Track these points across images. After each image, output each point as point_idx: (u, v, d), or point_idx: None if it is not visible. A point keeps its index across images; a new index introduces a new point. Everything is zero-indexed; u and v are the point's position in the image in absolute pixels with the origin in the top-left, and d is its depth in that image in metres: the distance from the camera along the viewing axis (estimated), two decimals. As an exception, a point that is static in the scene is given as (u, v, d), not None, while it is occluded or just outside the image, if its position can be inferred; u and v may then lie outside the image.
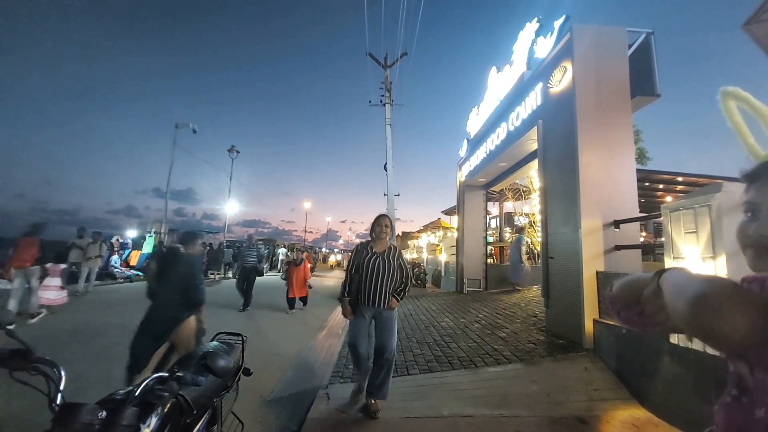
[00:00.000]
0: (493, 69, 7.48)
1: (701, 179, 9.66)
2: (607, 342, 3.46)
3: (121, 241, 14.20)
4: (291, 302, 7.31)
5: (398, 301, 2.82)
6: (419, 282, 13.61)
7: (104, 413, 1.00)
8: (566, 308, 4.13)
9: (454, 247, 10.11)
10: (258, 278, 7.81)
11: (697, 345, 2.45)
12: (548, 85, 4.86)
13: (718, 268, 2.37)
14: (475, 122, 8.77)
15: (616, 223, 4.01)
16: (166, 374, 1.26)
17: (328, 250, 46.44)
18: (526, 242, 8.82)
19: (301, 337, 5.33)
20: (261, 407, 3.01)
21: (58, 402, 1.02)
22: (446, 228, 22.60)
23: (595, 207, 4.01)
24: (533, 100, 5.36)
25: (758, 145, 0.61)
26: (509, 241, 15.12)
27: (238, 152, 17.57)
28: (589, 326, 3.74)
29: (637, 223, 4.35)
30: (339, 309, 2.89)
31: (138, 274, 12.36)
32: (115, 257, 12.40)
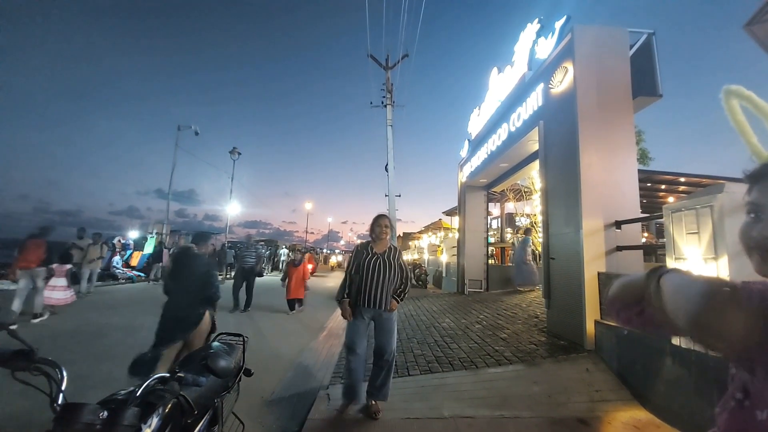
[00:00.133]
0: (494, 70, 7.48)
1: (703, 180, 9.63)
2: (609, 343, 3.45)
3: (123, 241, 14.25)
4: (291, 303, 7.29)
5: (398, 302, 2.80)
6: (420, 283, 13.60)
7: (105, 413, 1.00)
8: (567, 309, 4.12)
9: (455, 248, 10.10)
10: (258, 279, 7.79)
11: (698, 346, 2.44)
12: (549, 85, 4.85)
13: (720, 269, 2.36)
14: (476, 123, 8.77)
15: (618, 224, 4.00)
16: (168, 374, 1.27)
17: (329, 251, 46.47)
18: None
19: (302, 338, 5.34)
20: (262, 408, 3.01)
21: (59, 402, 1.03)
22: (447, 229, 22.59)
23: (596, 208, 4.00)
24: (534, 100, 5.36)
25: (761, 145, 0.60)
26: (510, 241, 15.11)
27: (239, 154, 17.62)
28: (590, 327, 3.73)
29: (639, 224, 4.34)
30: (339, 310, 2.84)
31: (140, 275, 12.39)
32: (116, 258, 12.44)
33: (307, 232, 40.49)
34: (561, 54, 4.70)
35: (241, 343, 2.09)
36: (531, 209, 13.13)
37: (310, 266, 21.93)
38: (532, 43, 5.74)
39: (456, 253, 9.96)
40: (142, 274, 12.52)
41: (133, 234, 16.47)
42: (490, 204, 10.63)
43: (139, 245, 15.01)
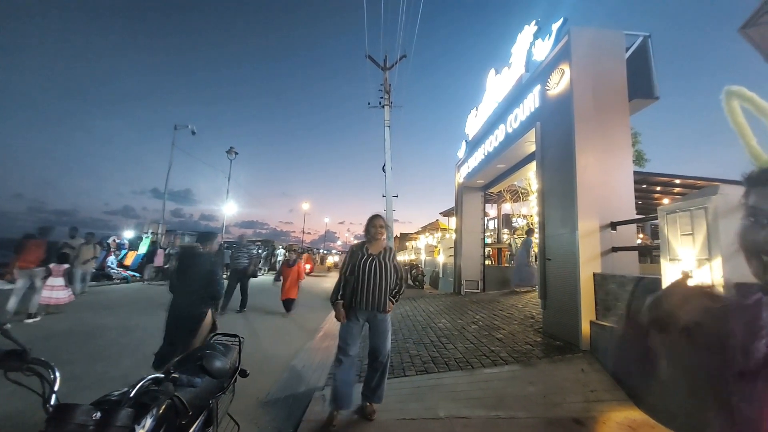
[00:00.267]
0: (492, 71, 7.50)
1: (698, 181, 9.72)
2: (604, 343, 3.47)
3: (117, 241, 14.15)
4: (287, 304, 7.21)
5: (393, 303, 2.78)
6: (417, 283, 13.61)
7: (98, 414, 1.00)
8: (563, 310, 4.14)
9: (452, 249, 10.12)
10: (252, 280, 7.69)
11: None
12: (546, 87, 4.88)
13: (714, 270, 2.38)
14: (473, 124, 8.80)
15: (613, 225, 4.02)
16: (162, 375, 1.26)
17: (325, 252, 46.40)
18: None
19: (298, 339, 5.32)
20: (257, 409, 3.00)
21: (52, 403, 1.02)
22: (444, 229, 22.63)
23: (592, 209, 4.02)
24: (531, 102, 5.38)
25: (760, 148, 0.59)
26: (507, 242, 15.16)
27: (236, 153, 17.57)
28: (585, 328, 3.75)
29: (634, 225, 4.37)
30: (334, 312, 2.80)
31: (135, 275, 12.31)
32: (111, 258, 12.35)
33: (303, 232, 40.45)
34: (558, 56, 4.73)
35: (237, 343, 2.08)
36: (528, 210, 13.18)
37: (308, 266, 21.88)
38: (529, 44, 5.77)
39: (453, 253, 9.98)
40: (137, 274, 12.44)
41: (129, 234, 16.36)
42: (487, 205, 10.67)
43: (134, 245, 14.91)
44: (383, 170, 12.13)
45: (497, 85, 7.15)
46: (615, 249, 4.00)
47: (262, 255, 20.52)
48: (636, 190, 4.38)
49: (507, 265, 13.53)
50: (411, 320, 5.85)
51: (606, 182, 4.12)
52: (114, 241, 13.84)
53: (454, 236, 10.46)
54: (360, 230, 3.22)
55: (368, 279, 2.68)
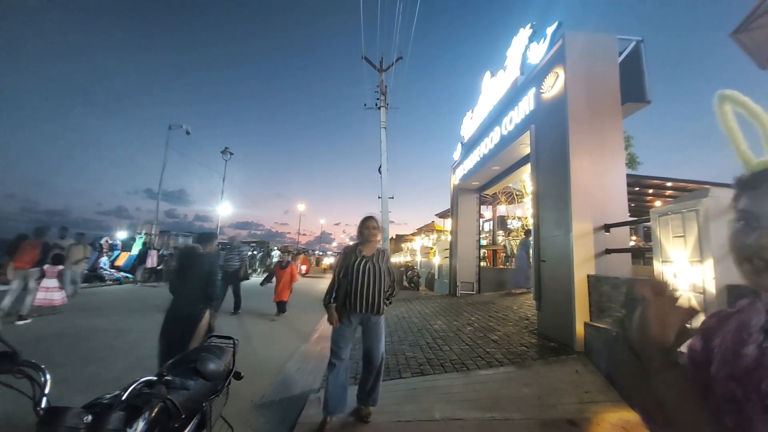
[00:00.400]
0: (487, 74, 7.55)
1: (689, 184, 9.85)
2: (598, 345, 3.49)
3: (110, 242, 14.00)
4: (281, 306, 7.13)
5: (386, 306, 2.75)
6: (412, 285, 13.62)
7: (90, 417, 0.98)
8: (558, 311, 4.17)
9: (448, 250, 10.15)
10: (245, 282, 7.57)
11: (685, 348, 2.48)
12: (541, 90, 4.92)
13: (706, 271, 2.42)
14: (469, 126, 8.84)
15: (607, 227, 4.06)
16: (155, 378, 1.25)
17: (321, 253, 46.27)
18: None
19: (292, 342, 5.30)
20: (251, 411, 2.98)
21: (42, 406, 1.00)
22: (440, 231, 22.69)
23: (586, 211, 4.06)
24: (526, 104, 5.42)
25: (751, 152, 0.59)
26: (502, 244, 15.23)
27: (231, 154, 17.47)
28: (580, 329, 3.77)
29: (627, 227, 4.41)
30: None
31: (127, 276, 12.18)
32: (104, 259, 12.21)
33: (299, 233, 40.33)
34: (552, 59, 4.77)
35: (231, 346, 2.07)
36: (522, 212, 13.25)
37: (303, 267, 21.76)
38: (524, 48, 5.81)
39: (448, 255, 10.01)
40: (130, 276, 12.32)
41: (122, 234, 16.19)
42: (482, 207, 10.71)
43: (127, 246, 14.76)
44: (379, 172, 12.14)
45: (493, 87, 7.20)
46: (608, 251, 4.03)
47: (258, 256, 20.40)
48: (629, 193, 4.43)
49: (502, 266, 13.59)
50: (407, 322, 5.84)
51: (599, 185, 4.16)
52: (107, 241, 13.71)
53: (449, 238, 10.49)
54: (355, 231, 3.15)
55: (361, 281, 2.64)
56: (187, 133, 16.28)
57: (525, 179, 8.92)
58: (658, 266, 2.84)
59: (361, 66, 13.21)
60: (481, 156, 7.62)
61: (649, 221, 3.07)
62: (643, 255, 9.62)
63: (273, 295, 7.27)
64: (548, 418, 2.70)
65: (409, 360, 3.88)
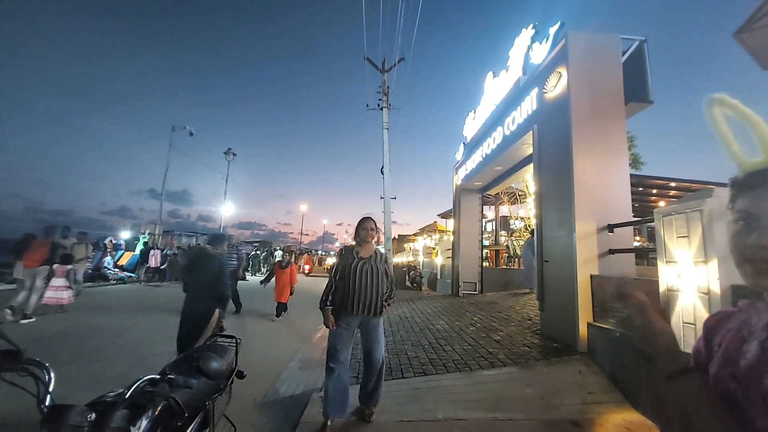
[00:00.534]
0: (490, 74, 7.53)
1: (693, 185, 9.79)
2: (602, 345, 3.47)
3: (114, 242, 14.07)
4: (282, 307, 6.99)
5: (386, 308, 2.70)
6: (415, 285, 13.61)
7: (93, 415, 0.99)
8: (561, 311, 4.15)
9: (450, 250, 10.13)
10: (245, 282, 7.52)
11: (689, 349, 2.46)
12: (543, 90, 4.90)
13: (710, 271, 2.40)
14: (471, 126, 8.82)
15: (610, 227, 4.04)
16: (158, 376, 1.25)
17: (323, 253, 46.34)
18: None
19: (295, 341, 5.31)
20: (254, 410, 2.98)
21: (47, 403, 1.01)
22: (442, 231, 22.66)
23: (589, 211, 4.04)
24: (529, 104, 5.41)
25: (743, 153, 0.60)
26: (504, 244, 15.19)
27: (234, 155, 17.53)
28: (583, 329, 3.75)
29: (631, 228, 4.38)
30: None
31: (131, 276, 12.25)
32: (107, 258, 12.28)
33: (302, 233, 40.40)
34: (555, 59, 4.76)
35: (234, 345, 2.08)
36: (525, 212, 13.22)
37: (307, 267, 21.76)
38: (526, 48, 5.79)
39: (451, 255, 9.99)
40: (133, 275, 12.38)
41: (125, 234, 16.29)
42: (484, 207, 10.69)
43: (130, 246, 14.85)
44: (381, 172, 12.14)
45: (495, 87, 7.18)
46: (612, 251, 4.01)
47: (261, 256, 20.45)
48: (632, 193, 4.40)
49: (505, 266, 13.56)
50: (409, 322, 5.84)
51: (603, 185, 4.14)
52: (110, 241, 13.78)
53: (451, 238, 10.47)
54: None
55: (359, 283, 2.58)
56: (191, 134, 16.37)
57: (528, 179, 8.89)
58: (662, 266, 2.82)
59: (363, 67, 13.23)
60: (484, 156, 7.60)
61: (653, 221, 3.05)
62: (647, 255, 9.57)
63: (272, 295, 7.14)
64: (551, 418, 2.69)
65: (412, 360, 3.87)
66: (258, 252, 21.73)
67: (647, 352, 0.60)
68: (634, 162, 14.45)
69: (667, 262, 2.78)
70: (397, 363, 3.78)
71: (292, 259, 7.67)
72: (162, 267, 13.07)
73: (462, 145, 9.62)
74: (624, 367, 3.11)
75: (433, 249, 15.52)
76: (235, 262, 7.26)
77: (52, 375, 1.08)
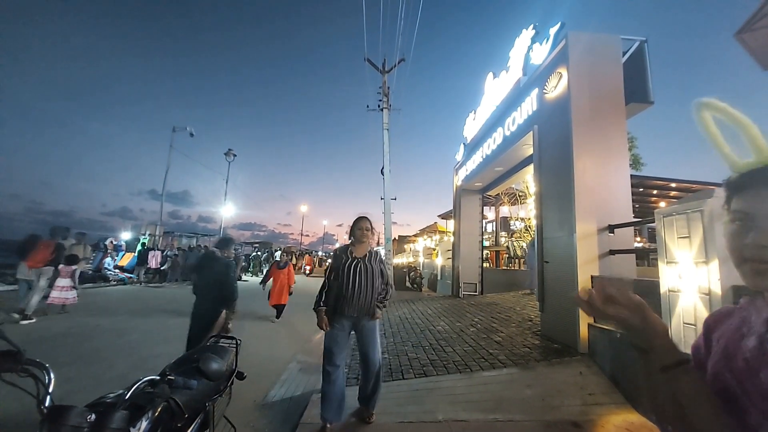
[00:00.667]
0: (490, 75, 7.54)
1: (694, 185, 9.79)
2: (602, 346, 3.46)
3: (115, 243, 14.08)
4: (278, 309, 6.82)
5: (380, 309, 2.65)
6: (415, 286, 13.61)
7: (93, 416, 0.99)
8: (561, 312, 4.14)
9: (450, 251, 10.13)
10: (243, 283, 7.47)
11: (689, 349, 2.46)
12: (544, 90, 4.90)
13: (711, 272, 2.39)
14: (471, 127, 8.83)
15: (611, 228, 4.03)
16: (158, 377, 1.25)
17: (324, 254, 46.34)
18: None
19: (295, 342, 5.30)
20: (254, 412, 2.98)
21: (46, 404, 1.01)
22: (442, 232, 22.68)
23: (589, 212, 4.03)
24: (529, 105, 5.41)
25: (735, 155, 0.61)
26: (505, 245, 15.19)
27: (234, 155, 17.54)
28: (584, 330, 3.75)
29: (632, 228, 4.38)
30: None
31: (131, 277, 12.25)
32: (108, 259, 12.29)
33: (302, 234, 40.42)
34: (555, 60, 4.76)
35: (234, 346, 2.07)
36: (525, 213, 13.21)
37: (308, 267, 21.75)
38: (527, 48, 5.80)
39: (451, 256, 9.99)
40: (134, 276, 12.39)
41: (126, 235, 16.30)
42: (485, 208, 10.69)
43: (131, 247, 14.86)
44: (382, 173, 12.14)
45: (495, 88, 7.19)
46: (613, 252, 4.01)
47: (262, 257, 20.46)
48: (633, 194, 4.40)
49: (505, 267, 13.55)
50: (409, 323, 5.83)
51: (603, 185, 4.14)
52: (111, 242, 13.79)
53: (452, 239, 10.47)
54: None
55: (353, 283, 2.54)
56: (191, 135, 16.40)
57: (528, 180, 8.89)
58: (662, 267, 2.82)
59: (364, 68, 13.25)
60: (484, 157, 7.61)
61: (653, 222, 3.04)
62: (647, 256, 9.56)
63: (276, 297, 6.91)
64: (552, 419, 2.68)
65: (412, 361, 3.87)
66: (259, 253, 21.74)
67: (642, 345, 0.61)
68: (635, 163, 14.44)
69: (667, 262, 2.77)
70: (397, 364, 3.78)
71: (292, 259, 7.60)
72: (162, 268, 13.08)
73: (462, 145, 9.62)
74: (625, 369, 3.10)
75: (434, 250, 15.52)
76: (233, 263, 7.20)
77: (52, 376, 1.07)
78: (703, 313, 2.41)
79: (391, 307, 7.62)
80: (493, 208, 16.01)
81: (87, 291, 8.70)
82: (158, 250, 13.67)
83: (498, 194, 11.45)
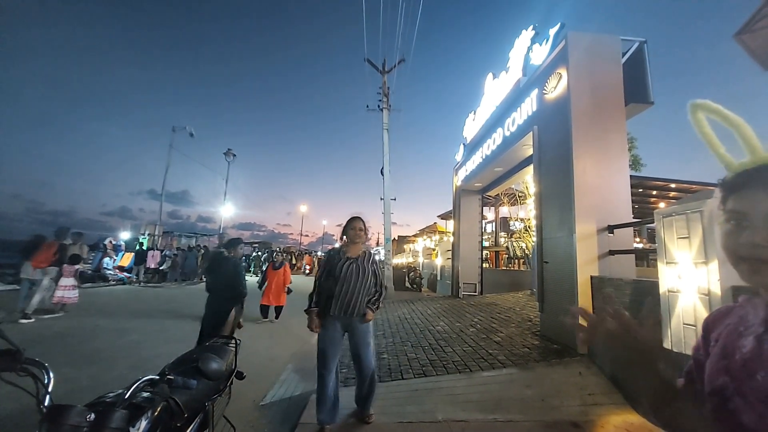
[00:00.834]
0: (490, 75, 7.54)
1: (693, 186, 9.80)
2: (602, 347, 3.46)
3: (114, 243, 14.06)
4: (264, 310, 6.61)
5: (373, 312, 2.61)
6: (415, 286, 13.61)
7: (92, 415, 0.99)
8: (561, 312, 4.14)
9: (450, 252, 10.13)
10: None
11: (689, 350, 2.46)
12: (543, 91, 4.91)
13: (711, 272, 2.40)
14: (471, 127, 8.83)
15: (611, 228, 4.04)
16: (157, 377, 1.25)
17: (323, 254, 46.40)
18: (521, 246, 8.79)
19: (294, 342, 5.30)
20: (253, 411, 2.98)
21: (46, 404, 1.01)
22: (442, 232, 22.68)
23: (589, 212, 4.04)
24: (529, 106, 5.41)
25: (729, 155, 0.62)
26: (505, 245, 15.18)
27: (234, 155, 17.54)
28: (583, 331, 3.74)
29: (631, 229, 4.38)
30: None
31: (130, 276, 12.24)
32: (107, 259, 12.27)
33: (301, 234, 40.44)
34: (555, 60, 4.76)
35: (234, 346, 2.07)
36: (525, 213, 13.22)
37: (308, 267, 21.72)
38: (526, 49, 5.80)
39: (450, 256, 9.99)
40: (133, 276, 12.38)
41: (125, 235, 16.29)
42: (484, 208, 10.69)
43: (131, 247, 14.85)
44: (381, 173, 12.15)
45: (495, 89, 7.19)
46: (612, 252, 4.01)
47: (263, 257, 20.45)
48: (632, 194, 4.40)
49: (505, 268, 13.55)
50: (409, 323, 5.83)
51: (603, 186, 4.14)
52: (110, 242, 13.77)
53: (451, 239, 10.47)
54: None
55: (345, 283, 2.51)
56: (191, 135, 16.40)
57: (528, 180, 8.88)
58: (662, 268, 2.82)
59: (364, 68, 13.26)
60: (484, 157, 7.61)
61: (653, 222, 3.04)
62: (647, 256, 9.57)
63: (269, 298, 6.67)
64: (551, 420, 2.68)
65: (412, 361, 3.87)
66: (259, 253, 21.73)
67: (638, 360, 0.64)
68: (635, 163, 14.45)
69: (667, 263, 2.77)
70: (397, 364, 3.77)
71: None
72: (161, 268, 13.06)
73: (462, 146, 9.63)
74: (624, 369, 3.10)
75: (433, 250, 15.52)
76: None
77: (52, 375, 1.07)
78: (703, 314, 2.41)
79: (391, 308, 7.62)
80: (492, 208, 16.00)
81: (86, 291, 8.68)
82: (157, 249, 13.65)
83: (498, 195, 11.45)
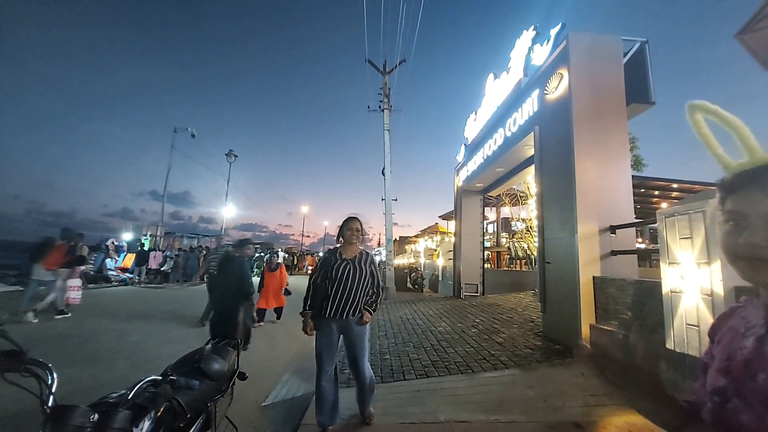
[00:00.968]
0: (491, 76, 7.54)
1: (695, 186, 9.77)
2: (604, 347, 3.45)
3: (116, 243, 14.10)
4: (260, 313, 6.29)
5: (371, 314, 2.55)
6: (416, 286, 13.60)
7: (96, 416, 0.99)
8: (563, 313, 4.13)
9: (452, 252, 10.12)
10: None
11: (692, 351, 2.45)
12: (545, 91, 4.90)
13: (713, 273, 2.39)
14: (472, 128, 8.83)
15: (613, 229, 4.03)
16: (160, 377, 1.25)
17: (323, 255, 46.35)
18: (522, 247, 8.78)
19: (296, 343, 5.30)
20: (256, 412, 2.98)
21: (49, 404, 1.01)
22: (444, 233, 22.67)
23: (591, 212, 4.03)
24: (530, 106, 5.41)
25: (728, 156, 0.62)
26: (506, 246, 15.17)
27: (236, 156, 17.57)
28: (585, 331, 3.74)
29: (633, 229, 4.37)
30: None
31: (132, 277, 12.27)
32: (109, 260, 12.31)
33: (303, 235, 40.48)
34: (556, 61, 4.76)
35: (236, 346, 2.08)
36: (527, 214, 13.20)
37: (310, 267, 21.77)
38: (527, 49, 5.80)
39: (452, 256, 9.98)
40: (136, 276, 12.41)
41: (127, 236, 16.34)
42: (486, 208, 10.68)
43: (132, 247, 14.89)
44: (383, 173, 12.15)
45: (496, 89, 7.19)
46: (614, 252, 4.00)
47: (265, 258, 20.51)
48: (634, 194, 4.39)
49: (507, 268, 13.53)
50: (411, 324, 5.83)
51: (605, 186, 4.13)
52: (112, 243, 13.81)
53: (453, 240, 10.46)
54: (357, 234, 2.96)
55: (340, 285, 2.47)
56: (193, 135, 16.44)
57: (529, 181, 8.88)
58: (665, 268, 2.81)
59: (365, 69, 13.28)
60: (485, 158, 7.60)
61: (655, 223, 3.04)
62: (649, 257, 9.54)
63: (272, 300, 6.52)
64: (554, 420, 2.67)
65: (414, 362, 3.86)
66: (262, 254, 21.78)
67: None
68: (636, 164, 14.40)
69: (669, 263, 2.76)
70: (398, 365, 3.77)
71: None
72: (162, 269, 13.09)
73: (463, 146, 9.62)
74: (626, 370, 3.09)
75: (435, 250, 15.51)
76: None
77: (55, 376, 1.08)
78: (706, 314, 2.40)
79: (393, 308, 7.62)
80: (494, 208, 16.00)
81: (89, 291, 8.70)
82: (159, 250, 13.68)
83: (499, 195, 11.45)
